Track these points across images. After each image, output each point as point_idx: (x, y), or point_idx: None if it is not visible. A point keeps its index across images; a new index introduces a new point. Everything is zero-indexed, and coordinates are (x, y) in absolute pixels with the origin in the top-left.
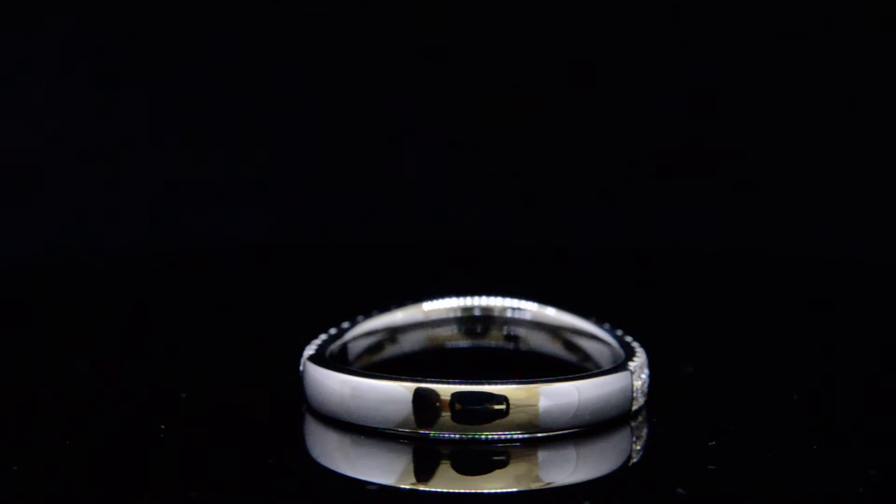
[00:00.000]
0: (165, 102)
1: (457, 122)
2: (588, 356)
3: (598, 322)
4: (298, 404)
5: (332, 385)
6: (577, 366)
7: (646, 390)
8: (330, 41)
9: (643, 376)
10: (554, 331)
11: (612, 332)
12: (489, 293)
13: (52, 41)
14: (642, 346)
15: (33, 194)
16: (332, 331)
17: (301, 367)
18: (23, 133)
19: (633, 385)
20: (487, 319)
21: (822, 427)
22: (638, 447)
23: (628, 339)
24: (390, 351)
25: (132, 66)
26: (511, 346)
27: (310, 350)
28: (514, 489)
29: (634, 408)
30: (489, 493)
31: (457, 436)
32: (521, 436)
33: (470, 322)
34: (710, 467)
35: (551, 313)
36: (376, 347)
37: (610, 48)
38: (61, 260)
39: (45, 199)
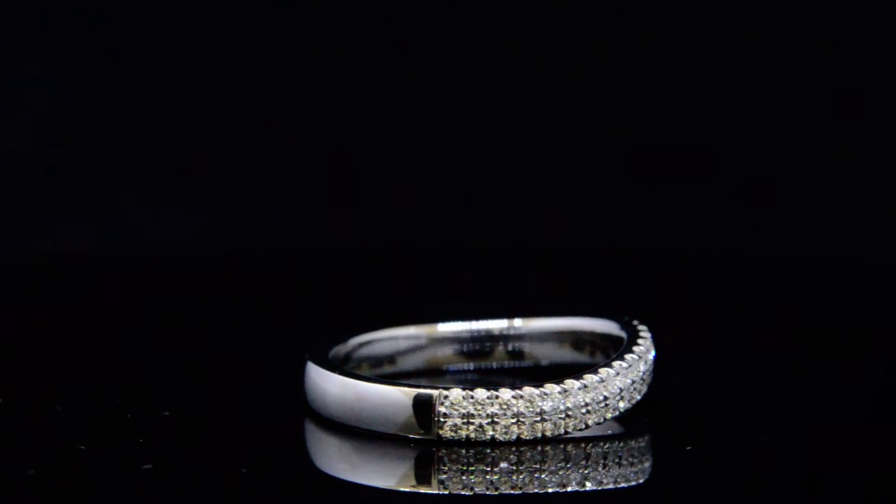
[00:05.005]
0: (165, 101)
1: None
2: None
3: (608, 315)
4: (300, 408)
5: (334, 388)
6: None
7: (642, 390)
8: (329, 41)
9: (604, 394)
10: (559, 336)
11: (620, 322)
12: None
13: (46, 38)
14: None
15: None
16: (338, 338)
17: (302, 369)
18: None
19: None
20: (489, 339)
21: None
22: (645, 453)
23: (638, 326)
24: (389, 369)
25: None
26: (517, 363)
27: (313, 353)
28: (517, 492)
29: (444, 432)
30: (490, 495)
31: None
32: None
33: (471, 343)
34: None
35: (554, 322)
36: (377, 363)
37: (609, 48)
38: (56, 261)
39: (41, 198)
